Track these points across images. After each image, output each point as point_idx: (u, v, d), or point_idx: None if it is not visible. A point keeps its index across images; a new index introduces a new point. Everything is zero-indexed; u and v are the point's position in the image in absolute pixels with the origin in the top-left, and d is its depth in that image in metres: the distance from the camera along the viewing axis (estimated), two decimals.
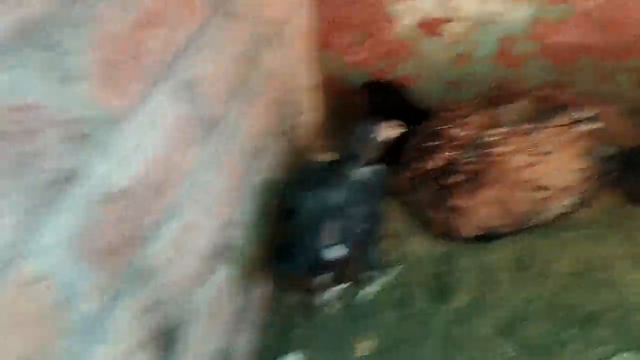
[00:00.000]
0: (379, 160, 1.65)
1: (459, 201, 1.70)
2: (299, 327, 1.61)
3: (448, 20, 2.16)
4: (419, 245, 1.78)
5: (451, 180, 1.72)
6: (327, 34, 2.30)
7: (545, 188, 1.64)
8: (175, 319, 1.18)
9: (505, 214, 1.68)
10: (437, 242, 1.78)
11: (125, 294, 1.02)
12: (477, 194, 1.68)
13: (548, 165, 1.64)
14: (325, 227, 1.49)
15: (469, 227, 1.72)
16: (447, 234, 1.77)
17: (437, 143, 1.77)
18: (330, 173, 1.59)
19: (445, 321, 1.52)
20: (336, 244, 1.51)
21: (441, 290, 1.63)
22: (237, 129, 1.56)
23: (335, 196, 1.51)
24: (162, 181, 1.12)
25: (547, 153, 1.65)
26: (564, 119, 1.67)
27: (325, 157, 2.17)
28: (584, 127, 1.66)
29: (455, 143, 1.74)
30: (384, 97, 2.13)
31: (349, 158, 1.64)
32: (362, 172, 1.59)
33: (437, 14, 2.16)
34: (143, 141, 1.05)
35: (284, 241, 1.54)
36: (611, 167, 1.69)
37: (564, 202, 1.67)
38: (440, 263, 1.71)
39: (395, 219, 1.85)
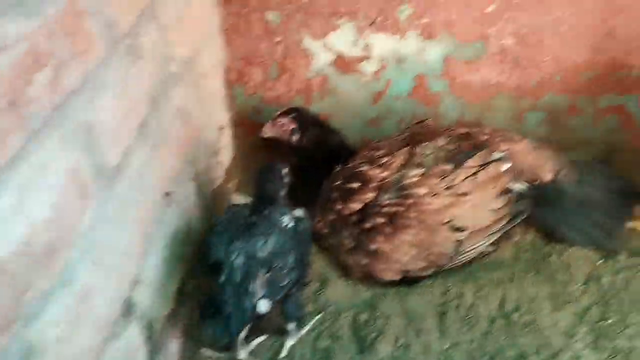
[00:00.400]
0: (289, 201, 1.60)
1: (379, 245, 1.66)
2: None
3: (363, 59, 2.13)
4: (341, 292, 1.71)
5: (371, 223, 1.67)
6: (241, 70, 2.21)
7: (463, 229, 1.63)
8: None
9: (425, 256, 1.65)
10: (359, 288, 1.71)
11: None
12: (397, 237, 1.65)
13: (465, 206, 1.63)
14: (254, 282, 1.40)
15: (390, 271, 1.68)
16: (369, 279, 1.71)
17: (356, 185, 1.72)
18: (256, 219, 1.50)
19: None
20: (265, 298, 1.43)
21: (365, 340, 1.55)
22: (144, 175, 1.43)
23: (263, 246, 1.43)
24: (50, 246, 0.98)
25: (464, 194, 1.64)
26: (480, 159, 1.67)
27: (242, 200, 2.08)
28: (498, 167, 1.67)
29: (374, 184, 1.70)
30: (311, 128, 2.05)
31: (266, 201, 1.56)
32: (288, 217, 1.51)
33: (353, 52, 2.13)
34: (24, 202, 0.91)
35: (211, 298, 1.43)
36: (525, 205, 1.70)
37: (482, 243, 1.66)
38: (362, 310, 1.64)
39: (315, 264, 1.76)
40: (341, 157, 1.91)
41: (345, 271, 1.74)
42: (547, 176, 1.73)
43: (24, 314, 0.90)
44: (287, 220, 1.49)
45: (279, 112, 2.05)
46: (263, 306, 1.42)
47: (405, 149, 1.77)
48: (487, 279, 1.66)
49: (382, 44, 2.10)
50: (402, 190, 1.66)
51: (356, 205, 1.70)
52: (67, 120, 1.06)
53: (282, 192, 1.60)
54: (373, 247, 1.66)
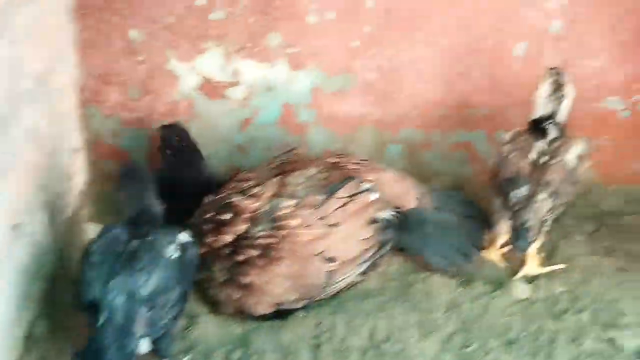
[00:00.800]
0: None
1: (253, 278, 1.62)
2: None
3: (231, 85, 2.09)
4: (212, 329, 1.63)
5: (244, 256, 1.63)
6: (97, 89, 2.06)
7: (335, 260, 1.65)
8: None
9: (298, 288, 1.64)
10: (230, 324, 1.65)
11: None
12: (270, 269, 1.62)
13: (336, 237, 1.65)
14: (136, 322, 1.28)
15: (263, 304, 1.64)
16: (241, 314, 1.66)
17: (228, 216, 1.66)
18: (137, 246, 1.37)
19: None
20: (145, 337, 1.32)
21: None
22: None
23: (146, 283, 1.31)
24: None
25: (336, 224, 1.66)
26: (349, 189, 1.71)
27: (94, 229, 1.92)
28: (367, 197, 1.71)
29: (246, 216, 1.66)
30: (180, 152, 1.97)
31: (143, 215, 1.45)
32: (174, 245, 1.40)
33: (221, 77, 2.08)
34: None
35: (89, 341, 1.28)
36: (392, 233, 1.76)
37: (352, 272, 1.69)
38: (235, 347, 1.58)
39: None
40: (206, 187, 1.85)
41: (216, 306, 1.67)
42: (411, 204, 1.81)
43: None
44: (172, 251, 1.39)
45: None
46: (143, 346, 1.32)
47: (276, 178, 1.75)
48: (358, 310, 1.68)
49: (251, 70, 2.09)
50: (274, 222, 1.64)
51: (228, 237, 1.65)
52: None
53: (151, 197, 1.48)
54: (246, 280, 1.61)
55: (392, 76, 2.12)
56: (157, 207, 1.50)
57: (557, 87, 1.82)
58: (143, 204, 1.47)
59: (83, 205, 1.97)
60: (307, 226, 1.64)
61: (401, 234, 1.78)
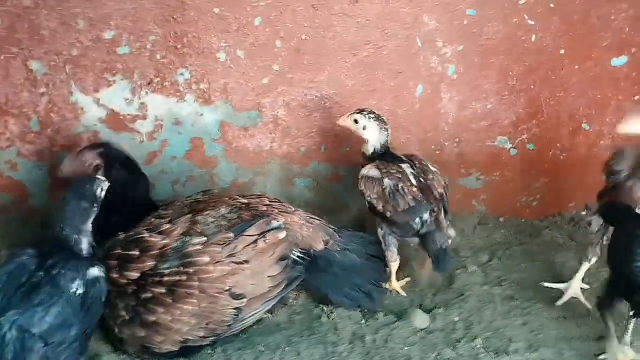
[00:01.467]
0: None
1: (158, 315, 1.60)
2: None
3: (138, 118, 2.08)
4: None
5: (150, 293, 1.61)
6: None
7: (243, 296, 1.67)
8: None
9: (205, 325, 1.64)
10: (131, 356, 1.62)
11: None
12: (177, 307, 1.61)
13: (245, 273, 1.68)
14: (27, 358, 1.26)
15: (168, 342, 1.62)
16: (146, 351, 1.63)
17: (136, 252, 1.65)
18: (40, 278, 1.34)
19: None
20: None
21: None
22: None
23: (42, 319, 1.28)
24: None
25: (245, 261, 1.68)
26: (259, 228, 1.73)
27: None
28: (276, 235, 1.75)
29: (154, 252, 1.65)
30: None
31: (66, 238, 1.43)
32: (79, 281, 1.38)
33: (127, 110, 2.06)
34: None
35: None
36: (300, 271, 1.80)
37: (260, 309, 1.72)
38: None
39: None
40: (145, 207, 1.85)
41: (120, 344, 1.64)
42: (319, 246, 1.86)
43: None
44: (76, 286, 1.36)
45: (81, 147, 1.91)
46: None
47: (187, 216, 1.76)
48: (265, 344, 1.70)
49: (159, 104, 2.09)
50: (183, 258, 1.64)
51: (134, 274, 1.62)
52: None
53: (87, 222, 1.48)
54: (152, 318, 1.60)
55: (300, 112, 2.19)
56: (85, 235, 1.48)
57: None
58: (74, 225, 1.46)
59: None
60: (216, 263, 1.65)
61: (308, 275, 1.82)
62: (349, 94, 2.21)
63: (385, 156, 1.98)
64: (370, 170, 1.95)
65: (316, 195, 2.29)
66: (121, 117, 2.07)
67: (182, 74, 2.07)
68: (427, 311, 1.88)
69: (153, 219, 1.78)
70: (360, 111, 1.98)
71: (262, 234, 1.72)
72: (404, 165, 1.95)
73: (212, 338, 1.66)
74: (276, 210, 1.83)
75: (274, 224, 1.76)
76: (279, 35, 2.08)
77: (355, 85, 2.20)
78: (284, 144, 2.22)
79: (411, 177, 1.92)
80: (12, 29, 1.91)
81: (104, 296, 1.45)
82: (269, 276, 1.71)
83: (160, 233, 1.69)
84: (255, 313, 1.71)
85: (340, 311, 1.84)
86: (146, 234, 1.68)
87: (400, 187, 1.88)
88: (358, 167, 2.25)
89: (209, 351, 1.68)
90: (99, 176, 1.59)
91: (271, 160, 2.23)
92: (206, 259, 1.64)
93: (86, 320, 1.39)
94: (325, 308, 1.86)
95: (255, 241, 1.70)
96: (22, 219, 2.08)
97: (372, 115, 1.97)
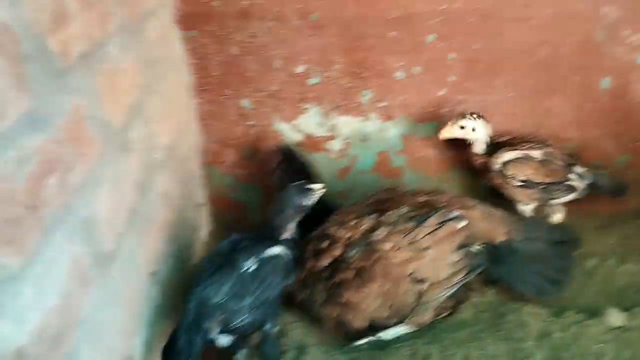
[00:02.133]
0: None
1: (348, 296, 1.79)
2: None
3: (330, 138, 2.33)
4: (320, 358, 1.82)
5: (339, 278, 1.80)
6: (216, 152, 2.38)
7: (424, 281, 1.78)
8: None
9: (389, 306, 1.78)
10: (336, 356, 1.82)
11: None
12: (363, 289, 1.78)
13: (426, 259, 1.78)
14: (209, 321, 1.57)
15: (358, 319, 1.80)
16: (340, 327, 1.83)
17: (326, 244, 1.86)
18: (225, 261, 1.64)
19: None
20: (223, 333, 1.60)
21: None
22: (133, 258, 1.56)
23: (216, 293, 1.58)
24: (59, 330, 1.10)
25: (425, 248, 1.79)
26: (438, 218, 1.84)
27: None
28: (455, 224, 1.83)
29: (342, 242, 1.85)
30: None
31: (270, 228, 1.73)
32: (253, 259, 1.64)
33: (320, 132, 2.32)
34: (40, 293, 1.04)
35: (170, 338, 1.58)
36: (481, 259, 1.86)
37: (442, 294, 1.80)
38: None
39: (292, 332, 1.89)
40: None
41: (319, 323, 1.86)
42: (499, 238, 1.90)
43: None
44: (248, 264, 1.63)
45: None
46: (223, 340, 1.60)
47: (372, 216, 1.89)
48: (451, 340, 1.80)
49: (347, 124, 2.31)
50: (367, 246, 1.80)
51: (325, 262, 1.83)
52: (72, 215, 1.20)
53: (291, 217, 1.76)
54: (343, 299, 1.79)
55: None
56: (289, 232, 1.76)
57: None
58: (281, 222, 1.75)
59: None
60: (398, 249, 1.78)
61: (492, 267, 1.87)
62: (529, 95, 2.22)
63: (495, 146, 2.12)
64: (507, 155, 2.08)
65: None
66: (315, 140, 2.34)
67: (364, 95, 2.27)
68: (625, 309, 1.81)
69: (338, 217, 1.95)
70: (462, 116, 2.08)
71: (442, 223, 1.82)
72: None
73: (396, 319, 1.79)
74: (456, 205, 1.91)
75: (454, 213, 1.85)
76: (452, 48, 2.18)
77: (535, 85, 2.21)
78: (464, 151, 2.30)
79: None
80: (225, 75, 2.28)
81: (282, 271, 1.69)
82: (449, 263, 1.80)
83: (346, 228, 1.87)
84: (438, 297, 1.80)
85: (527, 309, 1.86)
86: (334, 229, 1.88)
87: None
88: None
89: (399, 344, 1.82)
90: (313, 186, 1.81)
91: (453, 167, 2.32)
92: (388, 246, 1.79)
93: (261, 291, 1.64)
94: (512, 305, 1.89)
95: (434, 230, 1.81)
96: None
97: (474, 115, 2.08)
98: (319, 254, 1.86)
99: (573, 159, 2.16)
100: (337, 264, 1.82)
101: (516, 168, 2.08)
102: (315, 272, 1.85)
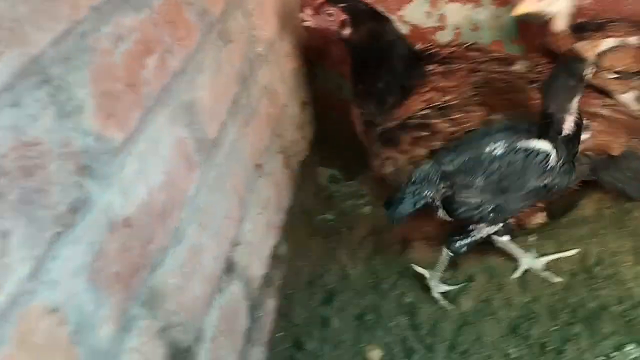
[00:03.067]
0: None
1: None
2: (309, 342, 1.62)
3: (438, 29, 2.19)
4: None
5: None
6: (320, 48, 2.32)
7: None
8: (186, 340, 1.19)
9: None
10: None
11: (138, 319, 1.03)
12: None
13: None
14: (428, 188, 1.52)
15: None
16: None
17: (426, 133, 1.70)
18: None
19: None
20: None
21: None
22: (237, 148, 1.58)
23: (450, 162, 1.52)
24: (165, 207, 1.14)
25: None
26: None
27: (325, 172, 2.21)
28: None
29: (445, 137, 1.67)
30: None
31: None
32: (503, 143, 1.50)
33: (428, 23, 2.18)
34: (144, 169, 1.06)
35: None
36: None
37: None
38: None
39: None
40: (400, 57, 1.80)
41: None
42: (616, 151, 1.67)
43: (150, 262, 1.07)
44: (492, 147, 1.50)
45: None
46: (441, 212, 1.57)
47: (480, 113, 1.69)
48: (569, 235, 1.70)
49: (456, 13, 2.15)
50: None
51: (422, 151, 1.69)
52: (173, 99, 1.22)
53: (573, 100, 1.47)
54: None
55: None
56: (570, 114, 1.48)
57: None
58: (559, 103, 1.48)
59: (313, 151, 2.27)
60: None
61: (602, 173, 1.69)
62: None
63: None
64: (603, 43, 1.79)
65: None
66: (422, 31, 2.21)
67: None
68: None
69: (435, 92, 1.76)
70: None
71: None
72: None
73: None
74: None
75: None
76: None
77: None
78: None
79: None
80: None
81: (536, 170, 1.49)
82: None
83: (451, 120, 1.68)
84: None
85: None
86: (436, 120, 1.70)
87: None
88: None
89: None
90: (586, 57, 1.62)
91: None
92: None
93: (497, 179, 1.49)
94: (635, 201, 1.74)
95: None
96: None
97: None
98: (417, 140, 1.71)
99: None
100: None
101: (614, 59, 1.79)
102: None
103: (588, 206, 1.78)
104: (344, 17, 1.77)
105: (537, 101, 1.61)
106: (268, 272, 1.74)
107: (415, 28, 2.21)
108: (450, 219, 1.58)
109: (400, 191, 1.53)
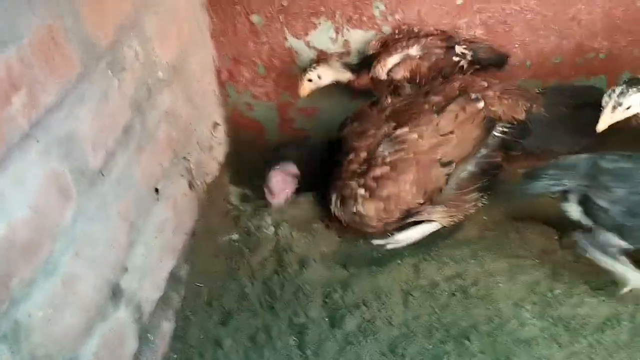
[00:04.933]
0: None
1: (389, 190, 1.82)
2: None
3: (343, 55, 2.26)
4: None
5: (377, 172, 1.83)
6: (231, 69, 2.37)
7: (451, 163, 1.81)
8: None
9: (424, 192, 1.82)
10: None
11: None
12: (400, 178, 1.81)
13: (452, 143, 1.80)
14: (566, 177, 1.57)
15: (397, 211, 1.85)
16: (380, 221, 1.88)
17: (351, 156, 1.90)
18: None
19: None
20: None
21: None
22: (128, 174, 1.60)
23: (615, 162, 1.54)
24: (31, 240, 1.16)
25: (450, 133, 1.80)
26: (458, 103, 1.82)
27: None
28: (474, 106, 1.82)
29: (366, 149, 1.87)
30: None
31: None
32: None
33: (333, 48, 2.26)
34: (4, 205, 1.08)
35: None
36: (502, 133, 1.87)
37: (466, 169, 1.84)
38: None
39: None
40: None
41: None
42: (521, 115, 1.87)
43: (10, 297, 1.09)
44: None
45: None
46: (573, 210, 1.59)
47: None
48: (451, 257, 1.79)
49: (359, 39, 2.23)
50: (396, 140, 1.82)
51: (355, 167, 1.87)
52: (46, 133, 1.24)
53: None
54: (384, 193, 1.83)
55: (499, 29, 2.13)
56: None
57: None
58: None
59: (223, 172, 2.31)
60: (424, 138, 1.81)
61: (522, 141, 1.87)
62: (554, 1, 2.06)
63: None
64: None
65: None
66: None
67: (377, 7, 2.17)
68: None
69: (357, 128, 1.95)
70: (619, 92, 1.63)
71: (463, 107, 1.82)
72: None
73: (428, 203, 1.83)
74: (473, 87, 1.88)
75: (472, 96, 1.84)
76: None
77: None
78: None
79: None
80: None
81: None
82: (473, 138, 1.83)
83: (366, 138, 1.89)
84: (460, 173, 1.84)
85: (532, 228, 1.82)
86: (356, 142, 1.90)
87: None
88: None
89: (399, 262, 1.82)
90: None
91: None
92: (415, 136, 1.81)
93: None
94: (515, 224, 1.84)
95: (456, 115, 1.81)
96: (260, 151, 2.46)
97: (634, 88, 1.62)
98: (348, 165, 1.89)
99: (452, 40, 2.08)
100: (370, 162, 1.84)
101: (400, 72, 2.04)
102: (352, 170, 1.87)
103: (472, 228, 1.87)
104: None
105: None
106: (165, 294, 1.77)
107: (322, 53, 2.28)
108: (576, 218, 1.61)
109: (542, 169, 1.56)
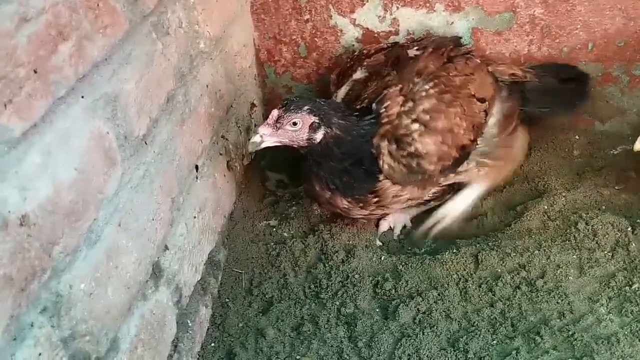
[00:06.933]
0: None
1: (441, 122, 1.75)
2: (242, 354, 1.54)
3: (390, 34, 2.14)
4: None
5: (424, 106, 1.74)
6: (271, 49, 2.26)
7: (484, 99, 1.82)
8: (95, 351, 1.10)
9: (472, 126, 1.78)
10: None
11: (35, 327, 0.94)
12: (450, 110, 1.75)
13: (477, 81, 1.84)
14: None
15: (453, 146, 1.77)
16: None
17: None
18: None
19: None
20: None
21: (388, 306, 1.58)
22: (171, 147, 1.49)
23: None
24: (76, 205, 1.04)
25: (471, 73, 1.85)
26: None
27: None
28: (474, 60, 1.91)
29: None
30: None
31: None
32: None
33: (380, 27, 2.14)
34: (50, 163, 0.97)
35: None
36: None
37: (498, 109, 1.87)
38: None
39: None
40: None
41: None
42: (519, 73, 1.95)
43: (52, 265, 0.97)
44: None
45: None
46: None
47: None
48: (512, 247, 1.66)
49: (410, 18, 2.11)
50: (429, 77, 1.78)
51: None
52: (92, 89, 1.13)
53: None
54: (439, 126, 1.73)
55: (560, 9, 2.00)
56: None
57: None
58: None
59: (261, 155, 2.19)
60: (453, 75, 1.80)
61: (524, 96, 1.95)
62: None
63: None
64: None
65: None
66: (375, 35, 2.16)
67: None
68: None
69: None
70: None
71: (465, 60, 1.88)
72: None
73: (480, 139, 1.81)
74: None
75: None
76: None
77: None
78: (544, 46, 2.06)
79: None
80: None
81: None
82: (489, 83, 1.87)
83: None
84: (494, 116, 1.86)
85: (601, 218, 1.67)
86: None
87: None
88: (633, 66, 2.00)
89: (454, 250, 1.69)
90: None
91: (530, 64, 2.08)
92: (444, 72, 1.80)
93: None
94: (584, 215, 1.70)
95: (465, 62, 1.87)
96: None
97: None
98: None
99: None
100: (414, 99, 1.73)
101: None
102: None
103: (533, 217, 1.74)
104: (312, 119, 1.65)
105: None
106: (203, 278, 1.66)
107: (368, 32, 2.16)
108: None
109: None
